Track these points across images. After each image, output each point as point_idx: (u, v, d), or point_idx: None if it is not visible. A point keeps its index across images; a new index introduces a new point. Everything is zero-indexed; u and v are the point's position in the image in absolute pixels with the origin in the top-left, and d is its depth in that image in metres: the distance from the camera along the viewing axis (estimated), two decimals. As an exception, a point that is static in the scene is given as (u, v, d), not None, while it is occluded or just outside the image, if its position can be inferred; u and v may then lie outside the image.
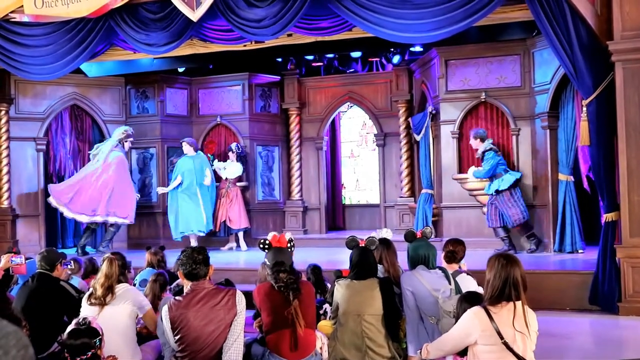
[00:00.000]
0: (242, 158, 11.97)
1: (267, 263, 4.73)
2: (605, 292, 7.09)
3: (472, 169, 9.98)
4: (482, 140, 9.65)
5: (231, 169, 11.74)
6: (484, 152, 9.59)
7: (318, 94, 12.98)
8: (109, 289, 4.52)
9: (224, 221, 11.57)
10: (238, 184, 11.88)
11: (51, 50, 9.18)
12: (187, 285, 4.01)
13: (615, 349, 5.96)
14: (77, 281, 6.01)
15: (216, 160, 11.86)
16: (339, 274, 5.29)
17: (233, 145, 11.92)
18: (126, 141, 11.55)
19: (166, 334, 3.92)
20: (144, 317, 4.59)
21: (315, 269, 6.44)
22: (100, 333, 3.72)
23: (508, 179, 9.48)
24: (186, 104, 12.76)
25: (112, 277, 4.56)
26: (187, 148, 11.45)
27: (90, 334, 3.66)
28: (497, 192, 9.51)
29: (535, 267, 8.12)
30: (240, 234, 11.61)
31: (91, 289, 4.62)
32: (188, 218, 11.23)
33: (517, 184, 9.58)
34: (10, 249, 9.52)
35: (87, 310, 4.46)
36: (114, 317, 4.44)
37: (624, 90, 6.92)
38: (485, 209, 10.10)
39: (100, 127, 12.24)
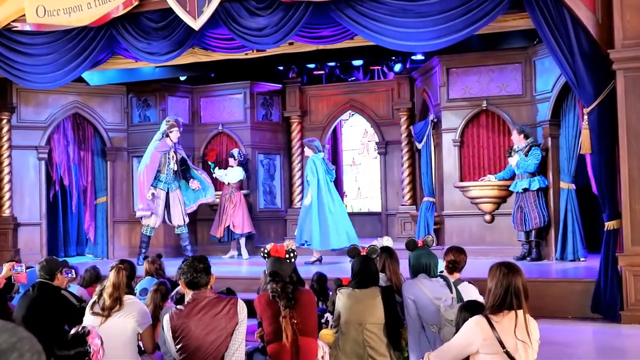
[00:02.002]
0: (243, 165, 11.97)
1: (266, 272, 4.74)
2: (608, 300, 7.07)
3: (490, 176, 10.00)
4: (527, 136, 9.60)
5: (232, 173, 11.72)
6: (530, 147, 9.51)
7: (319, 102, 12.99)
8: (117, 300, 4.46)
9: (228, 226, 11.53)
10: (240, 191, 11.87)
11: (53, 59, 9.20)
12: (188, 294, 3.99)
13: (618, 358, 5.95)
14: (75, 288, 5.99)
15: (217, 168, 11.85)
16: (339, 283, 5.27)
17: (235, 152, 11.91)
18: (171, 131, 10.89)
19: (167, 343, 3.91)
20: (142, 334, 4.54)
21: (320, 278, 6.44)
22: (100, 341, 3.68)
23: (538, 181, 9.47)
24: (188, 113, 12.76)
25: (120, 286, 4.50)
26: (307, 151, 10.85)
27: (80, 342, 3.62)
28: (525, 190, 9.49)
29: (537, 275, 8.11)
30: (242, 242, 11.58)
31: (94, 297, 4.58)
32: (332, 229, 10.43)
33: (543, 189, 9.56)
34: (12, 257, 9.53)
35: (89, 320, 4.43)
36: (117, 327, 4.39)
37: (625, 99, 6.92)
38: (488, 217, 10.12)
39: (102, 135, 12.25)
